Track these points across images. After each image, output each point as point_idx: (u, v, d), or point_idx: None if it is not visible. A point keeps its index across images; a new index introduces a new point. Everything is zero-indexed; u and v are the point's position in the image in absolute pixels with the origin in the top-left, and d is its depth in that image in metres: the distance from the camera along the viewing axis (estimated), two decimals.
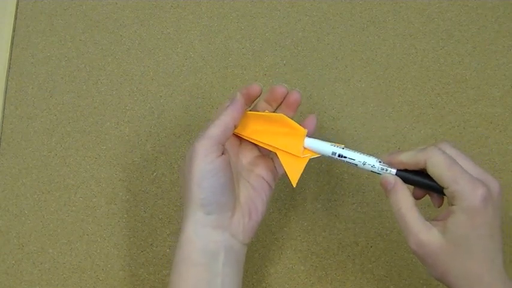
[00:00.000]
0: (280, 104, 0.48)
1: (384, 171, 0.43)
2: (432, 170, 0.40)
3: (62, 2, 0.64)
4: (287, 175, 0.46)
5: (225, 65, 0.61)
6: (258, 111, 0.48)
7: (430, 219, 0.41)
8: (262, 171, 0.48)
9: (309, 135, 0.47)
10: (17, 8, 0.64)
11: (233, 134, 0.46)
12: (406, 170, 0.43)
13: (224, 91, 0.60)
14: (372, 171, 0.44)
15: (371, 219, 0.55)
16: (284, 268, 0.54)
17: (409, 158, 0.41)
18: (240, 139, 0.49)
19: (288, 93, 0.47)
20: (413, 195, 0.43)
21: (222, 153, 0.44)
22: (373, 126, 0.58)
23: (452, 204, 0.39)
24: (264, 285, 0.54)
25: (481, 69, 0.60)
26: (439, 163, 0.40)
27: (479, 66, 0.60)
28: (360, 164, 0.44)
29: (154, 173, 0.58)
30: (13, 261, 0.56)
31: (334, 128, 0.58)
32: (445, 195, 0.41)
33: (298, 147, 0.46)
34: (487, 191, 0.38)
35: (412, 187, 0.43)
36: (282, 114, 0.47)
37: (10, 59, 0.62)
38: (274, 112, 0.48)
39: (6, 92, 0.61)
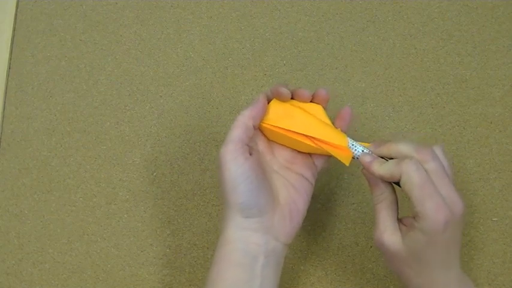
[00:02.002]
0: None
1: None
2: (404, 186, 0.41)
3: (62, 2, 0.64)
4: (336, 157, 0.44)
5: (225, 65, 0.61)
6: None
7: (400, 217, 0.44)
8: (301, 168, 0.47)
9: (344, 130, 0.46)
10: (17, 8, 0.64)
11: (265, 129, 0.45)
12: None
13: (224, 91, 0.60)
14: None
15: (371, 219, 0.55)
16: (284, 268, 0.54)
17: (386, 172, 0.42)
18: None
19: (313, 94, 0.46)
20: None
21: (250, 154, 0.44)
22: (373, 126, 0.58)
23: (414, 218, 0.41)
24: None
25: (481, 69, 0.60)
26: (412, 181, 0.40)
27: (479, 66, 0.60)
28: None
29: (154, 173, 0.58)
30: (13, 261, 0.56)
31: None
32: None
33: (343, 139, 0.44)
34: (449, 215, 0.40)
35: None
36: (320, 106, 0.45)
37: (10, 59, 0.62)
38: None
39: (6, 92, 0.61)
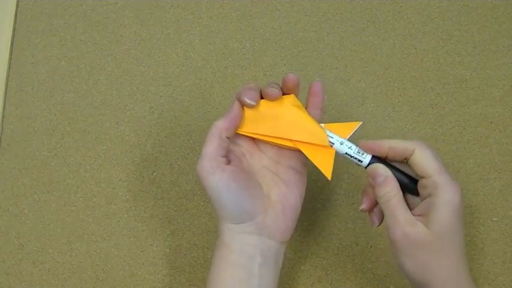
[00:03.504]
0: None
1: (360, 154, 0.43)
2: (418, 160, 0.41)
3: (62, 2, 0.64)
4: (318, 168, 0.43)
5: (225, 65, 0.61)
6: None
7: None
8: (288, 160, 0.46)
9: (318, 106, 0.45)
10: (17, 8, 0.64)
11: (244, 135, 0.45)
12: (380, 159, 0.43)
13: (224, 91, 0.60)
14: (346, 153, 0.44)
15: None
16: (284, 268, 0.54)
17: (398, 144, 0.42)
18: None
19: (298, 82, 0.45)
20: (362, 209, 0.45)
21: (229, 161, 0.43)
22: (373, 126, 0.58)
23: (428, 196, 0.41)
24: None
25: (481, 69, 0.60)
26: (427, 154, 0.41)
27: (479, 66, 0.60)
28: (337, 144, 0.44)
29: (154, 173, 0.58)
30: (13, 261, 0.56)
31: None
32: (413, 192, 0.43)
33: (322, 136, 0.43)
34: (459, 188, 0.41)
35: None
36: (291, 95, 0.44)
37: (10, 59, 0.62)
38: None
39: (6, 92, 0.61)
